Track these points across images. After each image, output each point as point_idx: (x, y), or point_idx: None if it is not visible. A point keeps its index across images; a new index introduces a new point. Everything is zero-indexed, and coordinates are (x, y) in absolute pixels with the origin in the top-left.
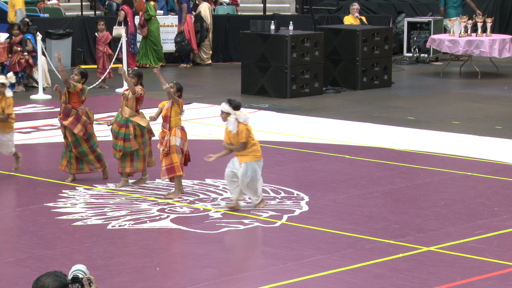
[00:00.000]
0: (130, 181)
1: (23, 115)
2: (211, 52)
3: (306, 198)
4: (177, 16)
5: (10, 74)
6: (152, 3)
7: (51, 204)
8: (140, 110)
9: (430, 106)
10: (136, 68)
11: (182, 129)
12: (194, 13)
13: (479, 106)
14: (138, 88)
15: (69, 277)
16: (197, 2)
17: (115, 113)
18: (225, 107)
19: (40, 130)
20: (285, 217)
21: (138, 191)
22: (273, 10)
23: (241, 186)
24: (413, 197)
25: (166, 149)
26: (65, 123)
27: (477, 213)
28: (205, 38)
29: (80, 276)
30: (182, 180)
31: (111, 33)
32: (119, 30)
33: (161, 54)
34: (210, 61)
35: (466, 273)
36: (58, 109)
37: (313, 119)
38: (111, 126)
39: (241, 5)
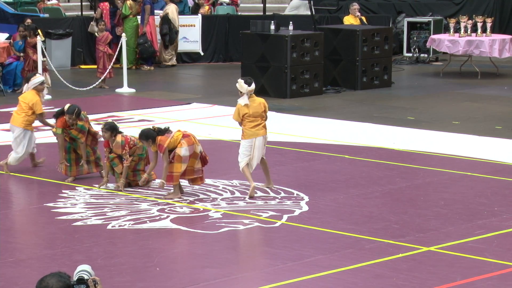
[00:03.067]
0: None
1: None
2: (174, 53)
3: (306, 198)
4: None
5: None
6: (128, 2)
7: (51, 204)
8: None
9: (430, 106)
10: (108, 122)
11: (185, 136)
12: (162, 13)
13: (479, 106)
14: (119, 142)
15: (74, 278)
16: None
17: (114, 113)
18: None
19: (40, 130)
20: (285, 217)
21: (138, 191)
22: (273, 10)
23: None
24: (413, 197)
25: (170, 158)
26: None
27: (477, 213)
28: (173, 40)
29: (86, 277)
30: (182, 181)
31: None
32: (93, 27)
33: (131, 55)
34: (174, 62)
35: (466, 273)
36: (58, 109)
37: (313, 119)
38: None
39: (241, 5)
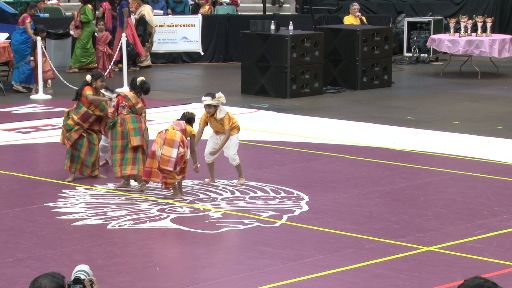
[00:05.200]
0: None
1: (23, 115)
2: (148, 54)
3: (306, 198)
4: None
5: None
6: (90, 6)
7: (51, 204)
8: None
9: (430, 106)
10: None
11: (160, 133)
12: (134, 15)
13: (479, 106)
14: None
15: (72, 277)
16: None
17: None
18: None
19: (40, 130)
20: (285, 217)
21: (138, 191)
22: (273, 10)
23: None
24: (413, 197)
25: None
26: (97, 127)
27: (477, 213)
28: (146, 41)
29: (82, 277)
30: (183, 180)
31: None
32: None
33: (80, 56)
34: (149, 63)
35: (466, 273)
36: (58, 109)
37: (313, 119)
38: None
39: (241, 5)
